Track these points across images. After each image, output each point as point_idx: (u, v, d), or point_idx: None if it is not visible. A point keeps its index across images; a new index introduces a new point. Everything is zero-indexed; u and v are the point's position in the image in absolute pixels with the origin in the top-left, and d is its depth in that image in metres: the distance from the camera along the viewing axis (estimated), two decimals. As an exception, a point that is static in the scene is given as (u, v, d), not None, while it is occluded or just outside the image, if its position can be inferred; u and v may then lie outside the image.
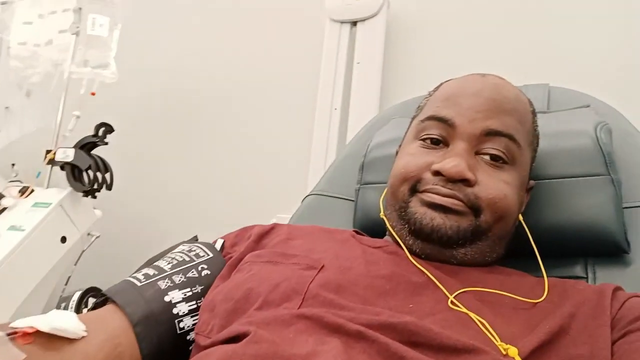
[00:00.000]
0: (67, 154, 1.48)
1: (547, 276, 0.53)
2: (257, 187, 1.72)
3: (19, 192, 1.51)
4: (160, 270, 0.56)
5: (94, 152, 1.52)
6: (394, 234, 0.58)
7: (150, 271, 0.56)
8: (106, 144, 1.52)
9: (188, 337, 0.53)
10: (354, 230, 0.66)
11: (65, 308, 0.57)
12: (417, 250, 0.55)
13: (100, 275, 1.52)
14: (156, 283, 0.53)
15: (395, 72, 1.57)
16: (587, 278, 0.63)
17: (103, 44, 1.56)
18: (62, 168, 1.51)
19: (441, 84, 0.65)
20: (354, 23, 1.57)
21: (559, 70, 1.33)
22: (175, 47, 1.95)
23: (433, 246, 0.54)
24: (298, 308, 0.45)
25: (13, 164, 1.65)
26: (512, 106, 0.56)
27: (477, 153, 0.55)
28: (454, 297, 0.47)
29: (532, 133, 0.60)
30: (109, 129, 1.52)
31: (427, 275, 0.50)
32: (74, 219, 1.47)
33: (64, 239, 1.44)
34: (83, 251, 1.52)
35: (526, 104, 0.60)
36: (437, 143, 0.57)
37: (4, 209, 1.46)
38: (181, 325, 0.52)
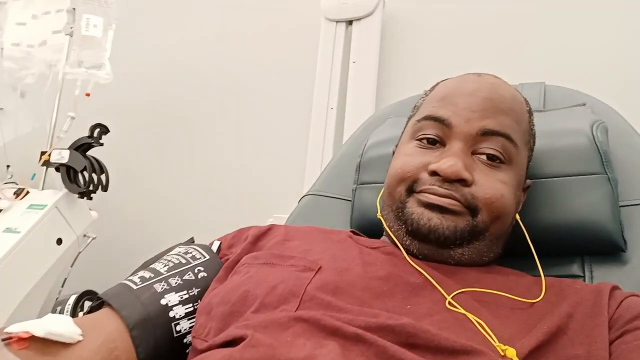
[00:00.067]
0: (62, 156, 1.47)
1: (545, 275, 0.53)
2: (254, 187, 1.71)
3: (14, 194, 1.50)
4: (157, 272, 0.55)
5: (89, 153, 1.51)
6: (391, 234, 0.58)
7: (147, 274, 0.55)
8: (101, 145, 1.51)
9: (185, 340, 0.53)
10: (351, 231, 0.65)
11: (61, 312, 0.56)
12: (415, 250, 0.54)
13: (96, 277, 1.52)
14: (152, 286, 0.53)
15: (391, 71, 1.57)
16: (584, 277, 0.63)
17: (97, 44, 1.55)
18: (57, 169, 1.50)
19: (437, 83, 0.65)
20: (350, 22, 1.57)
21: (555, 69, 1.33)
22: (170, 47, 1.94)
23: (430, 246, 0.53)
24: (295, 310, 0.45)
25: (8, 166, 1.64)
26: (509, 106, 0.56)
27: (474, 153, 0.55)
28: (452, 298, 0.47)
29: (528, 132, 0.60)
30: (104, 130, 1.51)
31: (424, 275, 0.50)
32: (70, 221, 1.46)
33: (59, 241, 1.43)
34: (79, 253, 1.51)
35: (522, 104, 0.60)
36: (434, 143, 0.57)
37: (-1, 211, 1.45)
38: (178, 328, 0.52)
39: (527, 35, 1.43)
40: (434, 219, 0.52)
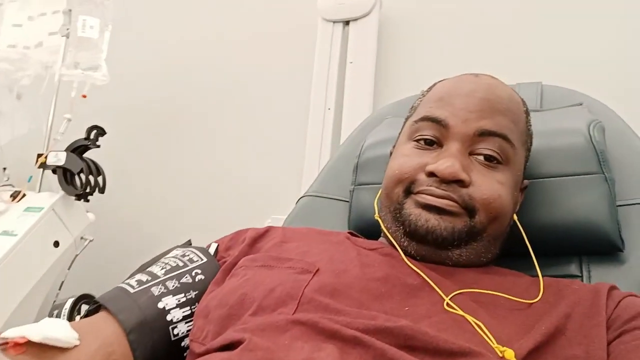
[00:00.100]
0: (58, 158, 1.46)
1: (542, 275, 0.53)
2: (252, 188, 1.71)
3: (11, 196, 1.50)
4: (154, 276, 0.55)
5: (86, 155, 1.50)
6: (389, 235, 0.58)
7: (144, 277, 0.55)
8: (98, 146, 1.50)
9: (182, 344, 0.53)
10: (348, 232, 0.65)
11: (58, 316, 0.56)
12: (412, 251, 0.54)
13: (94, 280, 1.51)
14: (149, 289, 0.53)
15: (389, 71, 1.57)
16: (581, 276, 0.63)
17: (94, 45, 1.54)
18: (53, 172, 1.49)
19: (434, 84, 0.65)
20: (347, 22, 1.57)
21: (552, 69, 1.34)
22: (166, 48, 1.94)
23: (428, 248, 0.53)
24: (293, 313, 0.44)
25: (4, 168, 1.63)
26: (506, 106, 0.56)
27: (471, 153, 0.55)
28: (450, 299, 0.47)
29: (525, 133, 0.60)
30: (101, 132, 1.50)
31: (422, 277, 0.50)
32: (67, 223, 1.46)
33: (56, 244, 1.43)
34: (76, 255, 1.51)
35: (519, 104, 0.60)
36: (431, 144, 0.57)
37: (-5, 213, 1.44)
38: (175, 331, 0.52)
39: (524, 35, 1.43)
40: (432, 220, 0.52)
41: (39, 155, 1.50)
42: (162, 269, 0.56)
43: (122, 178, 1.71)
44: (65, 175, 1.47)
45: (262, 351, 0.39)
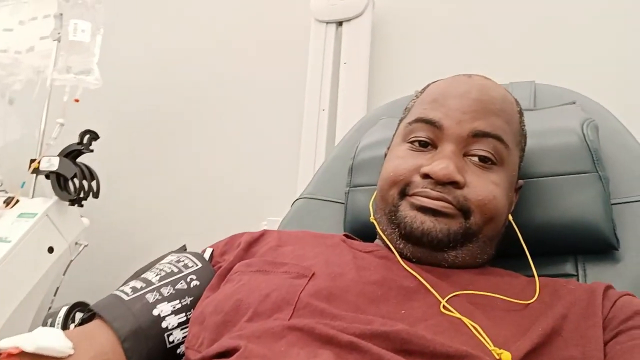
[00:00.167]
0: (51, 163, 1.45)
1: (538, 274, 0.53)
2: (247, 190, 1.71)
3: (4, 202, 1.48)
4: (148, 282, 0.55)
5: (79, 159, 1.49)
6: (384, 237, 0.58)
7: (138, 284, 0.55)
8: (91, 151, 1.49)
9: (178, 351, 0.52)
10: (344, 234, 0.65)
11: (52, 324, 0.56)
12: (408, 254, 0.54)
13: (89, 285, 1.50)
14: (144, 296, 0.53)
15: (382, 72, 1.57)
16: (577, 276, 0.63)
17: (85, 49, 1.53)
18: (47, 177, 1.48)
19: (428, 85, 0.65)
20: (340, 23, 1.56)
21: (545, 67, 1.34)
22: (159, 50, 1.93)
23: (424, 250, 0.53)
24: (289, 319, 0.44)
25: (-3, 174, 1.63)
26: (499, 107, 0.56)
27: (466, 155, 0.55)
28: (446, 301, 0.47)
29: (519, 133, 0.60)
30: (94, 136, 1.49)
31: (418, 279, 0.50)
32: (61, 229, 1.45)
33: (51, 249, 1.42)
34: (71, 261, 1.50)
35: (513, 104, 0.60)
36: (425, 145, 0.57)
37: (-11, 220, 1.43)
38: (171, 338, 0.52)
39: (517, 34, 1.43)
40: (427, 222, 0.52)
41: (32, 161, 1.49)
42: (156, 275, 0.56)
43: (116, 182, 1.70)
44: (59, 180, 1.46)
45: (258, 358, 0.39)
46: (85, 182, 1.47)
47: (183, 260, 0.59)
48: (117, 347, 0.48)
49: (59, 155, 1.47)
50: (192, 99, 1.86)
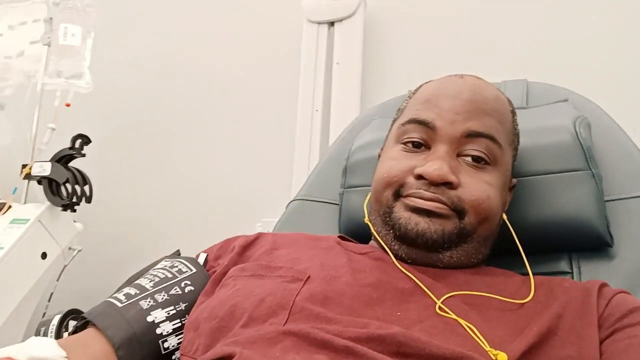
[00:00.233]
0: (43, 168, 1.44)
1: (533, 273, 0.53)
2: (242, 192, 1.70)
3: (-4, 209, 1.47)
4: (142, 289, 0.54)
5: (72, 164, 1.48)
6: (379, 239, 0.57)
7: (132, 290, 0.54)
8: (83, 155, 1.48)
9: (173, 357, 0.52)
10: (339, 236, 0.65)
11: (45, 333, 0.55)
12: (403, 255, 0.54)
13: (84, 290, 1.49)
14: (138, 303, 0.52)
15: (375, 72, 1.57)
16: (572, 273, 0.63)
17: (76, 53, 1.52)
18: (39, 182, 1.47)
19: (420, 85, 0.65)
20: (332, 23, 1.56)
21: (537, 65, 1.34)
22: (150, 53, 1.92)
23: (419, 251, 0.53)
24: (284, 323, 0.44)
25: (-12, 180, 1.61)
26: (492, 107, 0.56)
27: (459, 155, 0.55)
28: (442, 302, 0.47)
29: (512, 132, 0.60)
30: (86, 141, 1.48)
31: (414, 280, 0.50)
32: (54, 234, 1.44)
33: (44, 255, 1.41)
34: (65, 266, 1.49)
35: (505, 104, 0.60)
36: (419, 146, 0.57)
37: (-19, 227, 1.42)
38: (165, 345, 0.51)
39: (509, 33, 1.44)
40: (422, 223, 0.52)
41: (24, 166, 1.48)
42: (150, 281, 0.56)
43: (108, 186, 1.69)
44: (51, 185, 1.45)
45: (253, 365, 0.39)
46: (77, 187, 1.46)
47: (177, 266, 0.59)
48: (112, 355, 0.48)
49: (51, 160, 1.46)
50: (185, 101, 1.85)
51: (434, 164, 0.52)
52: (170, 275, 0.57)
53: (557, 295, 0.49)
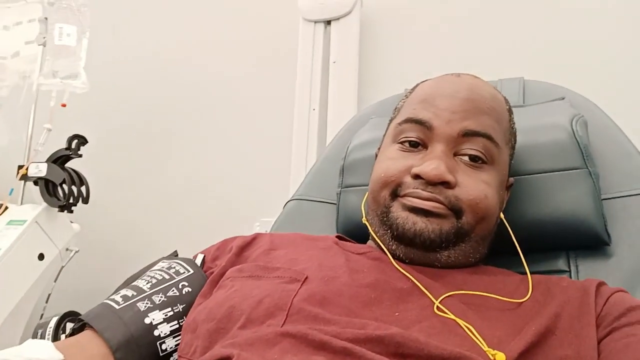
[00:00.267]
0: (40, 169, 1.44)
1: (531, 271, 0.53)
2: (239, 192, 1.70)
3: (-8, 210, 1.47)
4: (139, 290, 0.54)
5: (68, 165, 1.47)
6: (377, 239, 0.57)
7: (129, 292, 0.54)
8: (80, 156, 1.48)
9: (171, 359, 0.52)
10: (336, 236, 0.65)
11: (42, 336, 0.55)
12: (401, 255, 0.54)
13: (82, 291, 1.49)
14: (135, 305, 0.52)
15: (372, 70, 1.56)
16: (569, 272, 0.64)
17: (72, 53, 1.51)
18: (35, 183, 1.46)
19: (417, 85, 0.64)
20: (328, 22, 1.56)
21: (533, 63, 1.34)
22: (146, 52, 1.91)
23: (416, 250, 0.53)
24: (282, 325, 0.44)
25: (-16, 182, 1.60)
26: (489, 106, 0.56)
27: (456, 154, 0.55)
28: (440, 302, 0.47)
29: (509, 131, 0.60)
30: (82, 141, 1.47)
31: (411, 280, 0.50)
32: (51, 235, 1.43)
33: (41, 256, 1.40)
34: (62, 267, 1.48)
35: (502, 103, 0.60)
36: (416, 146, 0.57)
37: (-23, 228, 1.41)
38: (163, 347, 0.51)
39: (506, 30, 1.44)
40: (419, 223, 0.52)
41: (20, 167, 1.47)
42: (147, 282, 0.55)
43: (106, 187, 1.69)
44: (48, 186, 1.44)
45: (251, 367, 0.38)
46: (74, 188, 1.45)
47: (174, 267, 0.58)
48: (109, 357, 0.48)
49: (47, 161, 1.45)
50: (181, 101, 1.84)
51: (431, 164, 0.52)
52: (167, 277, 0.57)
53: (555, 294, 0.49)
